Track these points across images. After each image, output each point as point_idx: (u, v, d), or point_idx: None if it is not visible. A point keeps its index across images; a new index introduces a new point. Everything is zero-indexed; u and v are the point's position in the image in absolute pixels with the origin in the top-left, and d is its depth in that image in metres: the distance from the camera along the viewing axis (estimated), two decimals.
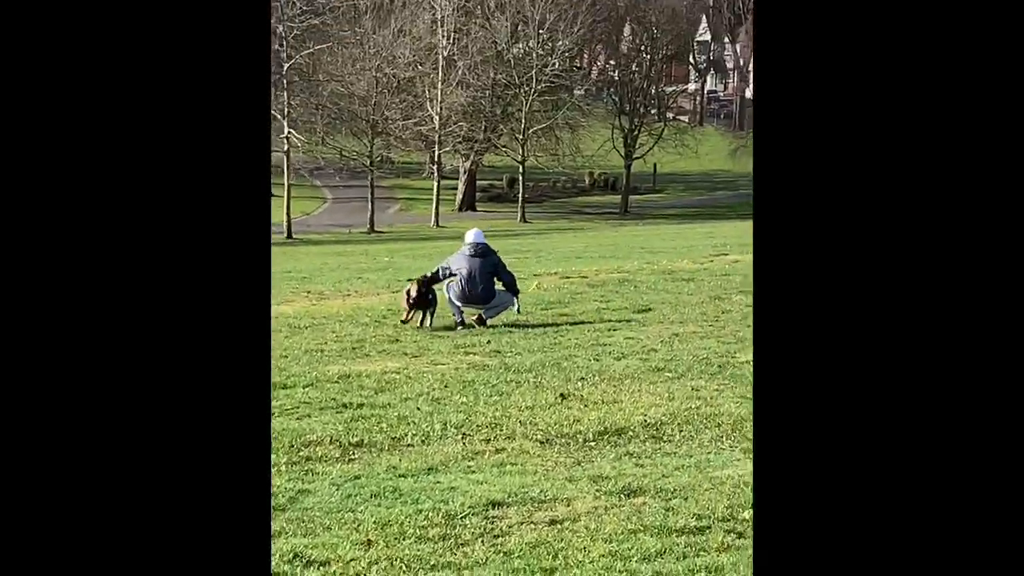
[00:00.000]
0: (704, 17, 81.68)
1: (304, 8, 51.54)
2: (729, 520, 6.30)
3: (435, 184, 54.04)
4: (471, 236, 15.64)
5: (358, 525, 6.34)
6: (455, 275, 14.97)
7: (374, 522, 6.37)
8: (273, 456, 7.96)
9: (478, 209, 61.49)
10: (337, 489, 7.15)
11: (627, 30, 69.37)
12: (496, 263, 15.25)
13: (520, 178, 58.09)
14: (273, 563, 5.69)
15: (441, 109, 52.63)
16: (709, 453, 7.87)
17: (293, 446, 8.26)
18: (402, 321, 14.74)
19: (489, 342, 13.35)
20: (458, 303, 14.96)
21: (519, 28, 57.60)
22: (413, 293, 14.69)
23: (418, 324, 14.67)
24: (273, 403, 9.89)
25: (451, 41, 54.34)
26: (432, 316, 14.79)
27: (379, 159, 55.90)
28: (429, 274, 15.08)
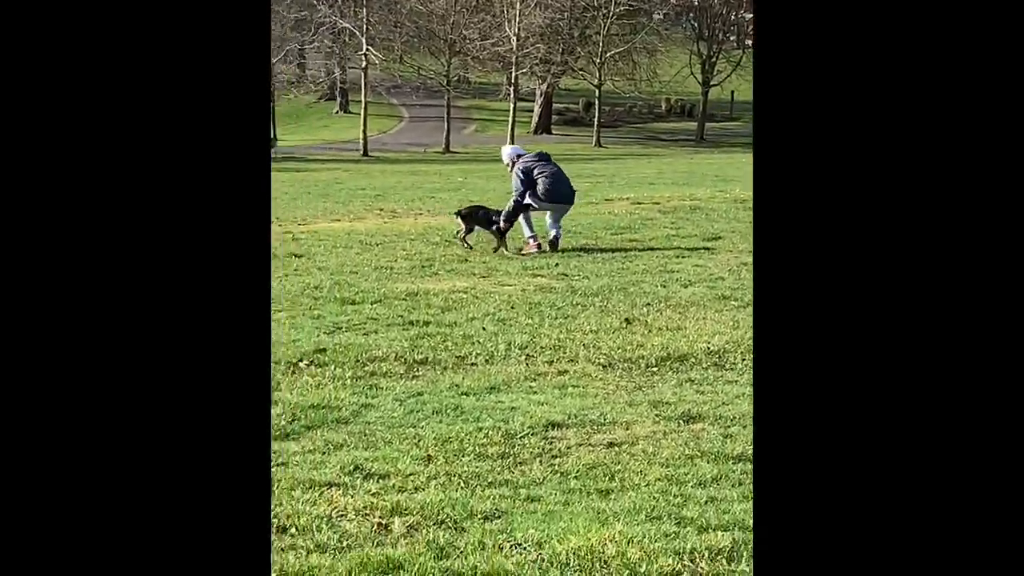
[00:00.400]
0: None
1: None
2: None
3: (511, 106, 53.81)
4: (514, 150, 15.67)
5: (419, 441, 6.44)
6: (536, 180, 14.91)
7: (434, 438, 6.46)
8: (339, 370, 8.09)
9: (553, 132, 61.26)
10: (400, 405, 7.25)
11: None
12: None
13: (596, 102, 57.73)
14: (334, 474, 5.81)
15: (519, 30, 52.27)
16: None
17: (359, 361, 8.38)
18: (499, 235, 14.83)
19: (557, 265, 13.41)
20: (546, 202, 14.92)
21: None
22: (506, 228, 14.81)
23: (502, 249, 14.72)
24: (341, 318, 10.03)
25: None
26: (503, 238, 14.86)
27: (456, 79, 55.81)
28: (517, 197, 14.92)
